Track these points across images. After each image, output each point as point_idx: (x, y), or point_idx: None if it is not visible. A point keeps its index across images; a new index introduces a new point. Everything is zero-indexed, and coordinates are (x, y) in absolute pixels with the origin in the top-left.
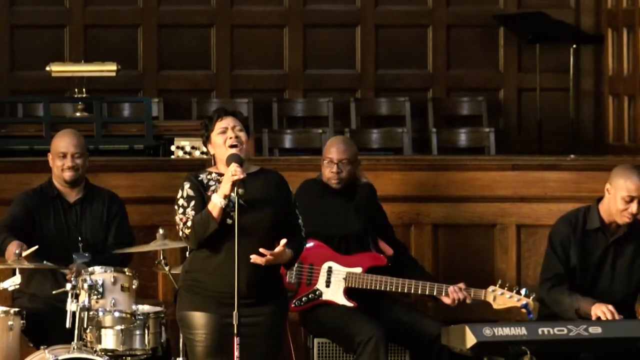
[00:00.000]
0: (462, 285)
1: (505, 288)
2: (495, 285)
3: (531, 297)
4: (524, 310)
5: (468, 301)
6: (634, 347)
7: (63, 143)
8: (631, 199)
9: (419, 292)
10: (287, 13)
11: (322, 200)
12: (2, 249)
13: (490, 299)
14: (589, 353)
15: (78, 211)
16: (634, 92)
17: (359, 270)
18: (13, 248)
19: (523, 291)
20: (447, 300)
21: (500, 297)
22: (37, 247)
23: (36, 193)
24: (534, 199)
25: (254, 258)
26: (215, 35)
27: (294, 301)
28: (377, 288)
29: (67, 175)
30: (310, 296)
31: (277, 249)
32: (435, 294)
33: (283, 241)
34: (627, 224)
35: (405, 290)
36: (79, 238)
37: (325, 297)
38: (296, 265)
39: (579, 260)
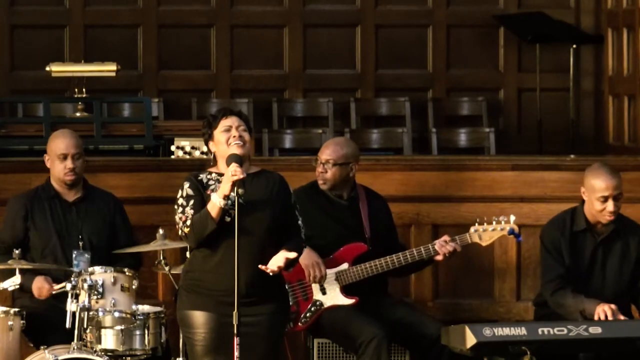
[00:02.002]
0: (446, 237)
1: (485, 223)
2: (475, 225)
3: (512, 221)
4: (511, 235)
5: (458, 249)
6: (634, 347)
7: (62, 145)
8: (605, 199)
9: (409, 260)
10: (287, 13)
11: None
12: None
13: (476, 239)
14: (589, 353)
15: (77, 210)
16: (634, 92)
17: (345, 266)
18: (44, 284)
19: (502, 218)
20: (439, 258)
21: (485, 234)
22: (64, 284)
23: (31, 195)
24: (534, 199)
25: (262, 268)
26: (215, 35)
27: (300, 319)
28: (370, 274)
29: (69, 178)
30: (312, 309)
31: (282, 257)
32: (425, 256)
33: (293, 254)
34: (613, 223)
35: (397, 264)
36: (79, 236)
37: (327, 304)
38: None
39: (570, 262)
